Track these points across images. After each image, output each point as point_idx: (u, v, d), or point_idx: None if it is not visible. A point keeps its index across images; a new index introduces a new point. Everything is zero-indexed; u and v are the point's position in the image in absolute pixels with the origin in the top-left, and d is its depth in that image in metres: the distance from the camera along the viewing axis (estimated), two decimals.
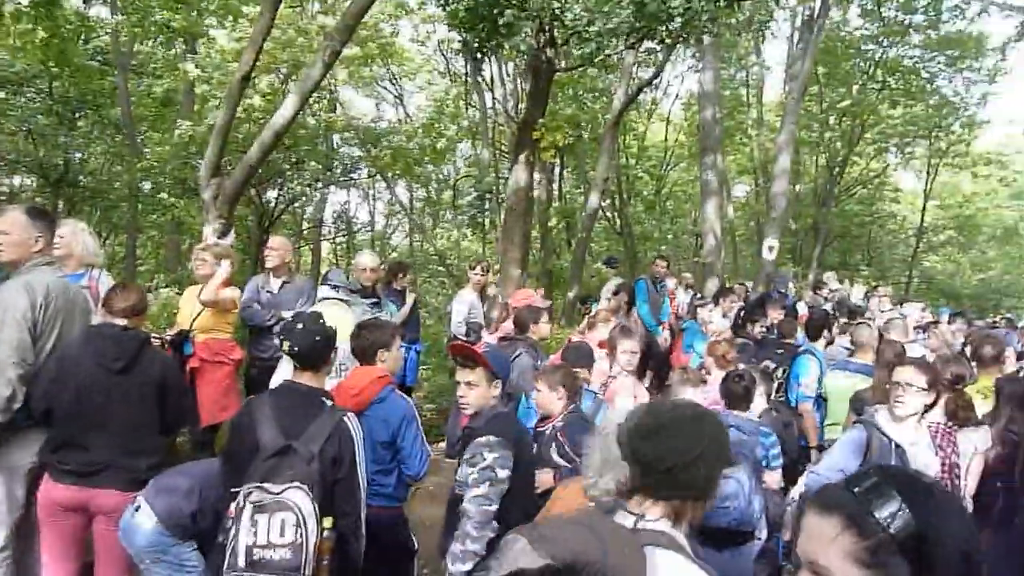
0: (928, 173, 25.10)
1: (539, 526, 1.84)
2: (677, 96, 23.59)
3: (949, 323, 10.52)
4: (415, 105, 20.05)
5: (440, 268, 15.74)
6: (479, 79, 13.43)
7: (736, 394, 4.45)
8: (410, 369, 7.58)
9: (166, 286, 10.56)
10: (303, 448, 3.04)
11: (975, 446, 4.30)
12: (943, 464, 4.09)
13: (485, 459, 3.29)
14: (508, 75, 14.84)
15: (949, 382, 4.55)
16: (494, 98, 15.15)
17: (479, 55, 9.40)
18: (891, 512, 1.19)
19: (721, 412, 4.50)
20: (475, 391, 3.60)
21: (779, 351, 7.09)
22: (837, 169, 22.37)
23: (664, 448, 1.78)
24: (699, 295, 11.43)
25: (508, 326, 6.36)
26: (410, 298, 7.54)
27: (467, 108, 16.88)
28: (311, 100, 10.90)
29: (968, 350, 6.25)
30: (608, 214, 21.96)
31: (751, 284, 13.09)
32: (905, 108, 21.85)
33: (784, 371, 6.78)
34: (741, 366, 5.94)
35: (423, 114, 17.67)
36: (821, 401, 6.34)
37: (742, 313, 8.89)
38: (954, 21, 20.19)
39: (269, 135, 6.84)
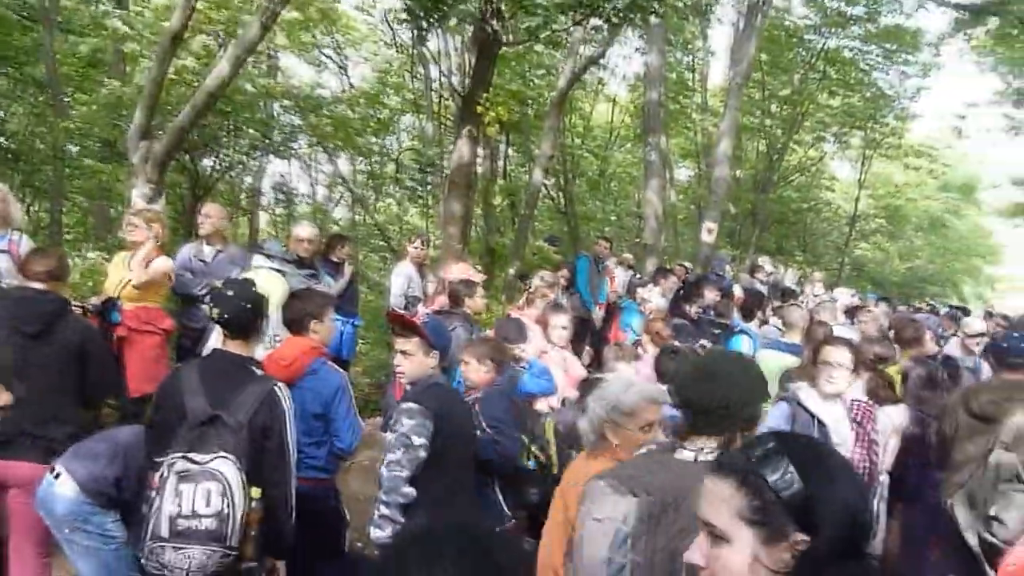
0: (862, 163, 25.82)
1: (616, 469, 2.18)
2: (624, 77, 23.62)
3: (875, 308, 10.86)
4: (359, 75, 19.63)
5: (381, 242, 15.52)
6: (424, 51, 13.20)
7: (668, 371, 4.52)
8: (346, 343, 7.50)
9: (95, 251, 10.18)
10: (231, 418, 2.97)
11: (893, 423, 4.46)
12: (863, 440, 4.23)
13: (403, 425, 3.34)
14: (456, 49, 14.65)
15: (871, 362, 4.71)
16: (440, 71, 14.95)
17: (424, 25, 9.22)
18: (781, 475, 1.24)
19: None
20: (411, 360, 3.59)
21: (715, 331, 7.24)
22: (776, 156, 22.80)
23: (713, 393, 2.06)
24: (638, 275, 11.58)
25: (444, 300, 6.33)
26: (347, 270, 7.43)
27: (412, 80, 16.62)
28: (249, 64, 10.58)
29: (891, 333, 6.49)
30: (552, 193, 21.97)
31: (690, 265, 13.32)
32: (843, 99, 22.37)
33: None
34: (675, 343, 6.06)
35: (367, 85, 17.30)
36: None
37: (679, 293, 9.03)
38: (892, 14, 20.73)
39: (202, 97, 6.59)
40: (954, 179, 30.16)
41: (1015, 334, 4.45)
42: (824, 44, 21.52)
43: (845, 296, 12.78)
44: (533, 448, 4.30)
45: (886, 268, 31.59)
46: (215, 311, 3.20)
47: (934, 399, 4.57)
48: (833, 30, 21.01)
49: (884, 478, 4.46)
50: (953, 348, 6.77)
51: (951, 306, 17.15)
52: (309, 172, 21.58)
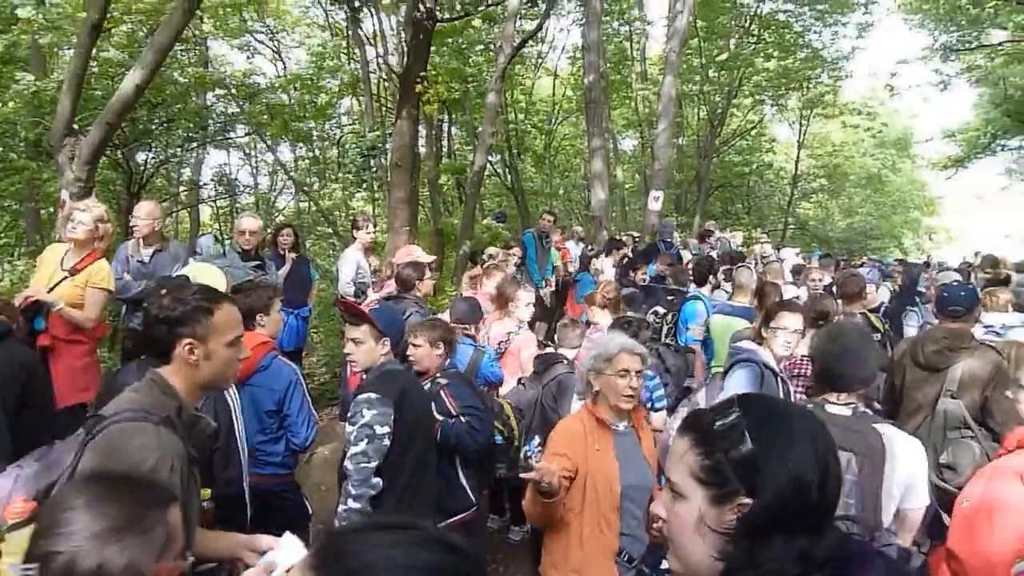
0: (801, 124, 26.30)
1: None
2: (563, 50, 23.57)
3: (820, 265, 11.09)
4: (295, 60, 19.20)
5: (329, 229, 15.28)
6: (359, 32, 12.94)
7: None
8: (295, 334, 7.37)
9: (25, 256, 9.80)
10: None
11: None
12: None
13: (364, 416, 3.30)
14: (392, 29, 14.41)
15: (813, 318, 4.80)
16: (376, 52, 14.70)
17: (357, 5, 9.02)
18: (733, 436, 1.24)
19: None
20: (362, 348, 3.54)
21: (669, 297, 7.29)
22: (717, 121, 23.04)
23: (853, 361, 2.78)
24: (590, 247, 11.62)
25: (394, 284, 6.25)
26: (289, 259, 7.30)
27: (349, 62, 16.32)
28: (178, 53, 10.23)
29: (835, 288, 6.63)
30: (498, 169, 21.89)
31: (638, 235, 13.41)
32: (779, 61, 22.66)
33: (673, 316, 7.01)
34: (630, 313, 6.08)
35: (303, 70, 16.92)
36: (711, 342, 6.57)
37: (625, 262, 9.10)
38: None
39: (128, 89, 6.32)
40: (889, 135, 30.89)
41: (954, 284, 4.56)
42: (758, 8, 21.74)
43: (791, 255, 13.06)
44: (497, 423, 4.31)
45: (828, 225, 32.35)
46: None
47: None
48: None
49: None
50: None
51: (897, 260, 17.67)
52: (250, 161, 21.14)
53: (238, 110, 13.55)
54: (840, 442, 2.15)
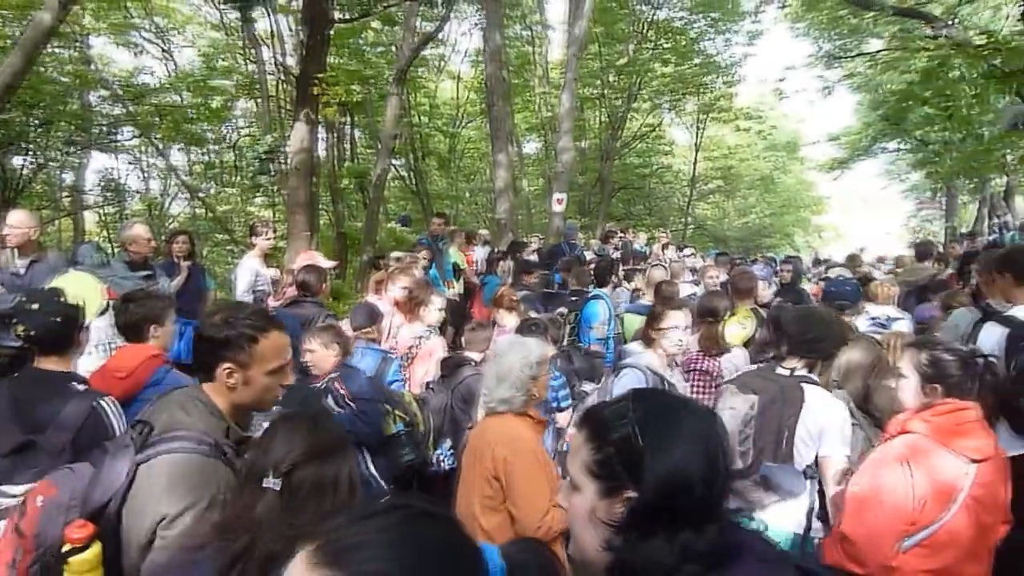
0: (697, 128, 27.22)
1: (738, 379, 3.37)
2: (465, 54, 23.61)
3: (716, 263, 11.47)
4: (186, 60, 18.41)
5: (225, 236, 14.71)
6: (253, 31, 12.53)
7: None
8: (188, 345, 7.04)
9: None
10: (49, 441, 2.67)
11: (736, 368, 4.71)
12: (708, 388, 4.44)
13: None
14: (290, 30, 14.03)
15: (703, 315, 4.96)
16: (273, 53, 14.28)
17: (248, 4, 8.73)
18: (622, 430, 1.26)
19: None
20: None
21: (572, 298, 7.36)
22: (617, 125, 23.55)
23: (809, 328, 3.28)
24: (495, 250, 11.64)
25: (293, 293, 6.06)
26: (184, 268, 6.99)
27: (245, 63, 15.80)
28: (56, 51, 9.63)
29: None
30: (403, 173, 21.69)
31: (543, 237, 13.55)
32: (675, 67, 23.37)
33: (576, 316, 7.07)
34: (532, 313, 6.11)
35: (194, 70, 16.24)
36: (621, 341, 6.68)
37: (519, 265, 9.17)
38: None
39: None
40: (779, 138, 32.38)
41: (839, 280, 4.80)
42: (654, 15, 22.37)
43: (690, 253, 13.50)
44: (397, 412, 4.25)
45: (725, 225, 33.61)
46: (20, 328, 2.85)
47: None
48: (661, 1, 21.86)
49: None
50: None
51: (787, 256, 18.51)
52: (140, 166, 20.19)
53: (124, 111, 12.87)
54: (755, 389, 3.15)
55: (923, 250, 9.32)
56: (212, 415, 2.11)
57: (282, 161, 11.08)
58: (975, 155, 15.47)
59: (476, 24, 20.63)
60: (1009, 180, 22.18)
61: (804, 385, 3.16)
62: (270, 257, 7.50)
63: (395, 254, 9.07)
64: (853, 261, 10.10)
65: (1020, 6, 13.73)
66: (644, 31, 22.58)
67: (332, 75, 9.28)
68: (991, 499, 2.49)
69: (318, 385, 4.01)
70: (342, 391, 3.92)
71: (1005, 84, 11.45)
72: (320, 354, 4.05)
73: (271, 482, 1.76)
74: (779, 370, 3.26)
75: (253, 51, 14.08)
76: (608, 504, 1.26)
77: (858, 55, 23.77)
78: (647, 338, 4.12)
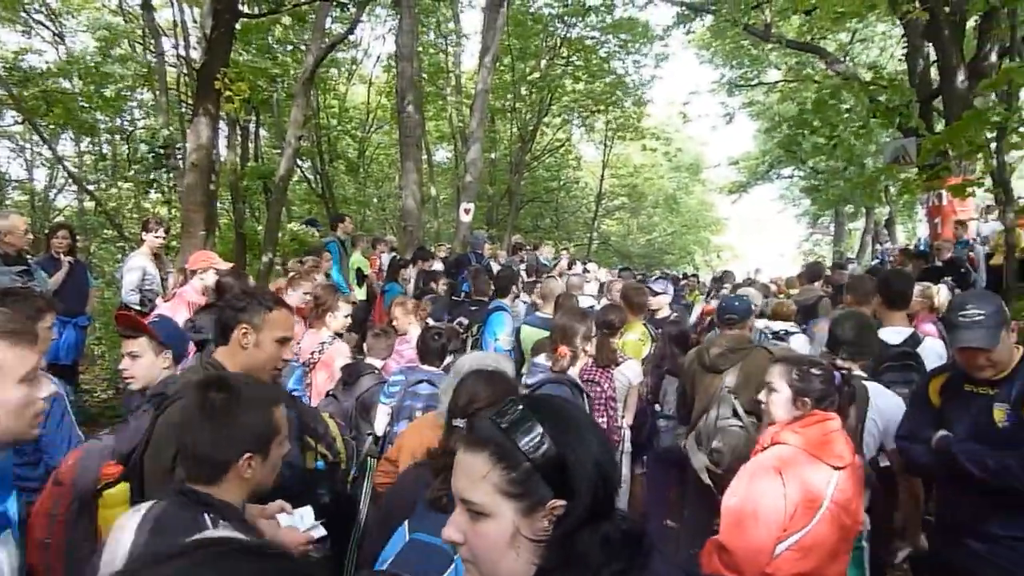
0: (605, 145, 27.87)
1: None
2: (379, 58, 23.40)
3: (619, 277, 11.71)
4: (80, 45, 17.44)
5: (115, 232, 13.96)
6: (155, 20, 12.01)
7: (432, 349, 4.50)
8: (71, 345, 6.67)
9: None
10: None
11: (631, 381, 4.82)
12: (600, 399, 4.53)
13: None
14: (195, 21, 13.53)
15: (598, 327, 5.07)
16: (175, 44, 13.74)
17: None
18: (534, 441, 1.22)
19: (414, 367, 4.54)
20: (140, 362, 3.25)
21: (473, 308, 7.35)
22: (528, 138, 23.82)
23: (863, 333, 3.74)
24: (399, 258, 11.54)
25: (191, 294, 5.81)
26: (66, 264, 6.61)
27: (145, 53, 15.11)
28: None
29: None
30: (309, 175, 21.24)
31: (449, 245, 13.51)
32: (586, 84, 23.87)
33: (479, 327, 7.07)
34: (431, 321, 6.07)
35: (89, 54, 15.38)
36: (520, 353, 6.71)
37: (428, 272, 9.14)
38: (627, 7, 22.45)
39: None
40: (683, 160, 33.56)
41: (730, 296, 5.01)
42: (567, 32, 22.79)
43: (595, 269, 13.74)
44: (320, 448, 4.04)
45: (629, 241, 34.48)
46: None
47: (681, 355, 5.02)
48: (574, 19, 22.31)
49: (627, 432, 4.82)
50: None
51: (685, 274, 19.16)
52: (23, 154, 18.98)
53: (6, 94, 12.04)
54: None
55: (812, 272, 9.83)
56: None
57: (180, 157, 10.65)
58: (858, 185, 16.44)
59: (390, 29, 20.47)
60: (891, 210, 23.72)
61: (866, 383, 3.53)
62: (160, 256, 7.18)
63: (300, 258, 8.85)
64: (752, 283, 10.51)
65: (903, 47, 14.72)
66: (557, 47, 22.97)
67: (237, 70, 8.98)
68: (848, 503, 2.64)
69: None
70: None
71: (887, 118, 12.24)
72: None
73: (459, 422, 2.21)
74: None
75: (153, 40, 13.50)
76: (531, 522, 1.22)
77: (757, 84, 24.99)
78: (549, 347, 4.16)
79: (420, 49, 20.35)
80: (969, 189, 8.86)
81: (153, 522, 1.75)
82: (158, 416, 2.32)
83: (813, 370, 2.88)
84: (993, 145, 7.49)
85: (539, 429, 1.23)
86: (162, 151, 10.25)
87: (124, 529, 1.74)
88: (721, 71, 25.31)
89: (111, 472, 2.25)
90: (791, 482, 2.61)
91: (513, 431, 1.24)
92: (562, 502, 1.22)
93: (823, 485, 2.62)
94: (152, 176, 11.36)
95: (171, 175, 11.56)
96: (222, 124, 12.71)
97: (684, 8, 21.11)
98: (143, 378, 3.26)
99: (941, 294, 5.92)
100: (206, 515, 1.78)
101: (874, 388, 3.52)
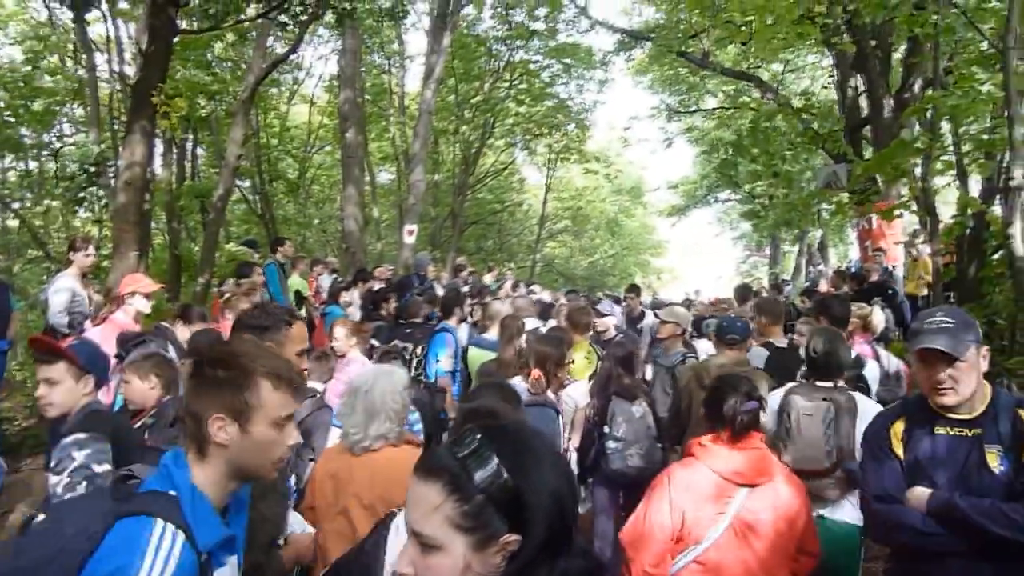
0: (548, 168, 28.12)
1: (796, 390, 3.72)
2: (321, 78, 23.21)
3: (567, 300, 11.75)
4: (6, 59, 16.82)
5: (41, 252, 13.41)
6: (87, 33, 11.66)
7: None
8: None
9: None
10: None
11: (577, 403, 4.81)
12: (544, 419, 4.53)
13: (76, 459, 2.90)
14: (130, 36, 13.21)
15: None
16: (108, 58, 13.38)
17: (84, 5, 8.12)
18: (490, 473, 1.18)
19: None
20: (58, 389, 3.10)
21: (411, 330, 7.27)
22: (471, 160, 23.88)
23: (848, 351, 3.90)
24: (340, 279, 11.37)
25: (123, 319, 5.58)
26: None
27: (76, 67, 14.65)
28: None
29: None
30: (248, 195, 20.87)
31: (392, 268, 13.38)
32: (529, 107, 24.09)
33: (422, 349, 6.97)
34: (374, 342, 5.98)
35: (15, 67, 14.84)
36: (467, 375, 6.65)
37: (376, 295, 9.01)
38: (570, 33, 22.81)
39: None
40: (624, 184, 34.08)
41: (732, 316, 5.16)
42: (511, 55, 23.02)
43: (538, 291, 13.77)
44: None
45: (572, 264, 34.76)
46: None
47: (624, 376, 5.05)
48: (518, 43, 22.56)
49: (572, 454, 4.80)
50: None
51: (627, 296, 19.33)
52: None
53: None
54: (824, 398, 3.53)
55: (742, 294, 10.15)
56: None
57: (112, 175, 10.32)
58: (793, 209, 16.97)
59: (333, 50, 20.35)
60: (823, 233, 24.48)
61: (854, 394, 3.62)
62: (88, 277, 6.90)
63: (236, 279, 8.62)
64: (688, 304, 10.73)
65: (833, 78, 15.29)
66: (501, 70, 23.15)
67: (174, 87, 8.78)
68: (767, 527, 2.63)
69: (137, 424, 3.60)
70: (159, 441, 3.49)
71: (816, 143, 12.68)
72: (136, 387, 3.63)
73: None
74: (822, 384, 3.67)
75: (85, 55, 13.11)
76: (484, 557, 1.18)
77: (696, 111, 25.58)
78: (507, 368, 4.14)
79: (364, 70, 20.29)
80: (896, 212, 9.23)
81: None
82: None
83: (727, 387, 2.90)
84: (919, 171, 7.78)
85: (495, 459, 1.19)
86: (93, 168, 9.90)
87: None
88: (661, 97, 25.88)
89: None
90: (679, 491, 2.66)
91: (468, 461, 1.19)
92: (516, 536, 1.17)
93: (723, 500, 2.64)
94: (82, 194, 10.96)
95: (102, 193, 11.18)
96: (157, 141, 12.38)
97: (624, 35, 21.58)
98: (61, 405, 3.10)
99: (875, 315, 6.08)
100: None
101: (863, 402, 3.60)
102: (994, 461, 2.35)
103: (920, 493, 2.40)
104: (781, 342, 5.28)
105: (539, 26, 22.27)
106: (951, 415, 2.44)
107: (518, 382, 4.32)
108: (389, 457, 2.90)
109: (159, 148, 13.70)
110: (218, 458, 1.67)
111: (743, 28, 12.84)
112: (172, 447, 2.13)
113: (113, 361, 4.02)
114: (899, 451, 2.52)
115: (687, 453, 2.85)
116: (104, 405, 3.29)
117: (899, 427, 2.56)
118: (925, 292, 10.49)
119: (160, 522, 1.50)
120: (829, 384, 3.66)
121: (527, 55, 23.29)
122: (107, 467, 2.89)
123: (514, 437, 1.27)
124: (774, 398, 3.75)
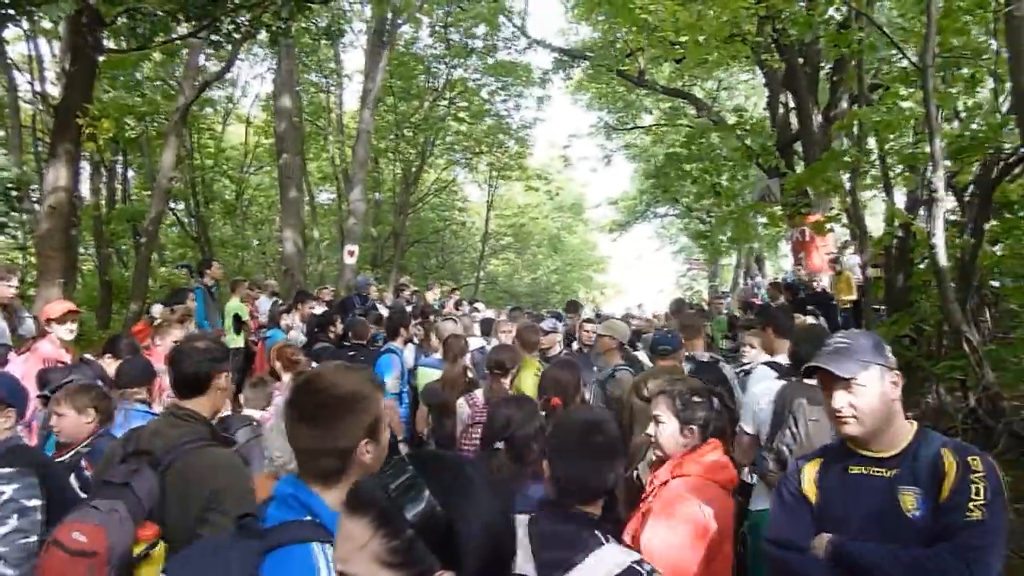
0: (490, 185, 28.20)
1: (797, 392, 3.58)
2: (257, 97, 22.86)
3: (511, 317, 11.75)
4: None
5: None
6: (5, 53, 11.24)
7: None
8: None
9: None
10: None
11: None
12: None
13: (4, 493, 2.77)
14: (54, 55, 12.80)
15: (490, 368, 5.07)
16: (31, 78, 12.92)
17: (2, 22, 7.79)
18: (421, 508, 1.12)
19: None
20: None
21: (356, 352, 7.17)
22: (412, 179, 23.78)
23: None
24: (280, 301, 11.15)
25: (47, 349, 5.33)
26: None
27: None
28: None
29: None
30: (183, 218, 20.36)
31: (333, 288, 13.18)
32: (469, 125, 24.15)
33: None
34: (314, 365, 5.83)
35: None
36: (414, 396, 6.58)
37: (321, 317, 8.86)
38: (508, 51, 22.98)
39: None
40: (566, 200, 34.41)
41: (663, 329, 5.23)
42: (450, 73, 23.06)
43: (482, 308, 13.74)
44: None
45: (515, 281, 34.86)
46: None
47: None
48: (457, 61, 22.63)
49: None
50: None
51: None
52: None
53: None
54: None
55: (677, 307, 10.38)
56: (203, 424, 2.62)
57: (35, 199, 9.91)
58: (729, 218, 17.31)
59: (269, 69, 20.07)
60: (759, 246, 25.06)
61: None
62: (9, 307, 6.58)
63: (168, 305, 8.34)
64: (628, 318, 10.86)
65: (766, 96, 15.74)
66: (440, 89, 23.17)
67: (100, 108, 8.49)
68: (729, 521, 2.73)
69: (64, 459, 3.42)
70: (89, 471, 3.29)
71: (750, 158, 13.01)
72: (70, 419, 3.46)
73: (499, 444, 2.75)
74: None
75: (4, 75, 12.63)
76: None
77: (633, 127, 26.00)
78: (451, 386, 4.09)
79: (301, 88, 20.06)
80: (828, 225, 9.51)
81: None
82: (164, 473, 2.42)
83: (695, 398, 2.88)
84: (848, 184, 8.03)
85: (426, 491, 1.13)
86: (15, 192, 9.49)
87: None
88: (599, 115, 26.23)
89: (148, 534, 2.34)
90: (707, 508, 2.61)
91: (397, 493, 1.14)
92: (450, 573, 1.12)
93: (728, 510, 2.67)
94: (3, 219, 10.49)
95: (26, 218, 10.73)
96: (85, 164, 11.97)
97: (562, 54, 21.86)
98: None
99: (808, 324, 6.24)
100: None
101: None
102: (910, 504, 2.14)
103: (820, 540, 2.20)
104: (703, 356, 5.39)
105: (478, 44, 22.42)
106: (866, 453, 2.23)
107: (461, 404, 4.27)
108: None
109: (86, 171, 13.24)
110: (353, 477, 1.69)
111: (677, 47, 13.12)
112: (134, 479, 2.39)
113: (35, 402, 3.84)
114: (810, 493, 2.32)
115: (675, 473, 2.80)
116: (24, 439, 3.12)
117: (812, 468, 2.36)
118: (849, 303, 10.91)
119: (316, 545, 1.54)
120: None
121: (466, 73, 23.39)
122: (37, 501, 2.81)
123: (447, 467, 1.22)
124: (765, 396, 3.79)
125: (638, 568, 1.89)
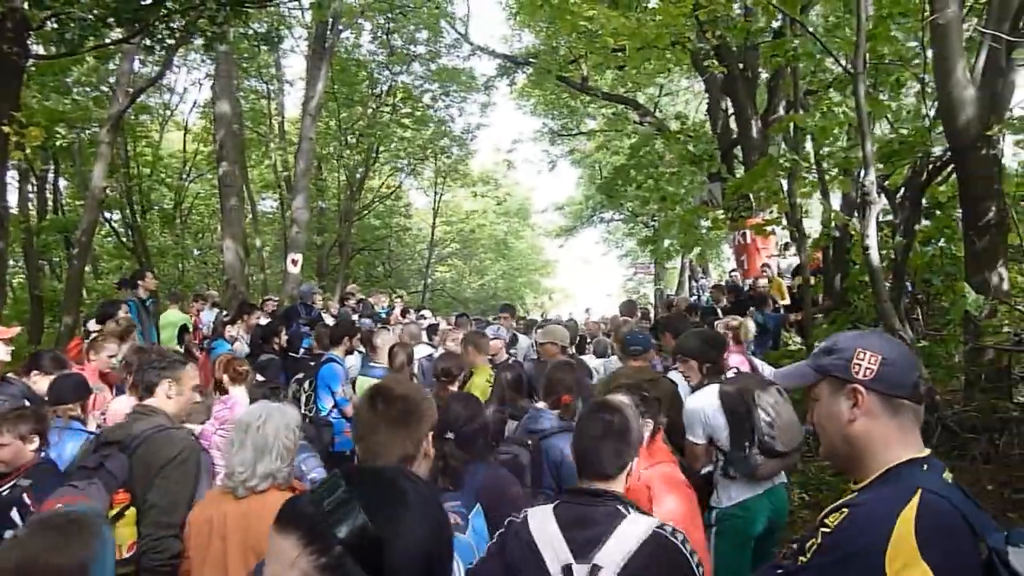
0: (435, 192, 28.09)
1: (759, 380, 3.94)
2: (195, 103, 22.34)
3: (457, 324, 11.70)
4: None
5: None
6: None
7: None
8: None
9: None
10: None
11: None
12: None
13: None
14: None
15: (436, 376, 5.07)
16: None
17: None
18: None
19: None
20: None
21: (299, 364, 7.06)
22: (356, 186, 23.54)
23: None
24: (225, 313, 10.93)
25: None
26: None
27: None
28: None
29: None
30: (119, 229, 19.77)
31: (278, 298, 12.94)
32: (413, 131, 24.03)
33: (311, 384, 6.71)
34: (260, 377, 5.74)
35: None
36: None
37: (265, 328, 8.69)
38: (452, 57, 22.97)
39: None
40: (512, 206, 34.48)
41: (635, 330, 5.31)
42: (393, 80, 22.91)
43: (429, 316, 13.67)
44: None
45: (462, 287, 34.78)
46: None
47: (518, 398, 5.06)
48: (399, 67, 22.50)
49: None
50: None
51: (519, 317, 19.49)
52: None
53: None
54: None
55: (627, 309, 10.45)
56: (163, 416, 3.16)
57: None
58: (672, 222, 17.54)
59: (207, 74, 19.62)
60: (704, 249, 25.48)
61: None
62: None
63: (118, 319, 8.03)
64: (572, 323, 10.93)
65: (707, 103, 16.05)
66: (383, 95, 23.00)
67: (28, 114, 8.18)
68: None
69: (2, 490, 3.23)
70: (34, 508, 3.07)
71: (693, 163, 13.24)
72: (14, 448, 3.29)
73: (449, 435, 2.90)
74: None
75: None
76: None
77: (577, 133, 26.23)
78: None
79: (241, 94, 19.69)
80: (768, 228, 9.73)
81: None
82: (131, 456, 2.95)
83: (645, 393, 3.19)
84: (786, 188, 8.23)
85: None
86: None
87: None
88: (543, 120, 26.38)
89: (121, 498, 2.87)
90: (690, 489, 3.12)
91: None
92: None
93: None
94: None
95: None
96: (12, 173, 11.52)
97: (505, 60, 21.92)
98: None
99: (745, 326, 6.31)
100: None
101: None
102: None
103: None
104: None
105: (420, 50, 22.33)
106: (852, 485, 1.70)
107: (543, 406, 4.20)
108: (267, 503, 2.72)
109: (14, 181, 12.74)
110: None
111: (618, 53, 13.26)
112: (107, 461, 2.89)
113: None
114: None
115: (657, 461, 3.20)
116: None
117: None
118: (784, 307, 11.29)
119: None
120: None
121: (409, 79, 23.28)
122: None
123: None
124: (709, 405, 3.84)
125: (661, 531, 2.13)
